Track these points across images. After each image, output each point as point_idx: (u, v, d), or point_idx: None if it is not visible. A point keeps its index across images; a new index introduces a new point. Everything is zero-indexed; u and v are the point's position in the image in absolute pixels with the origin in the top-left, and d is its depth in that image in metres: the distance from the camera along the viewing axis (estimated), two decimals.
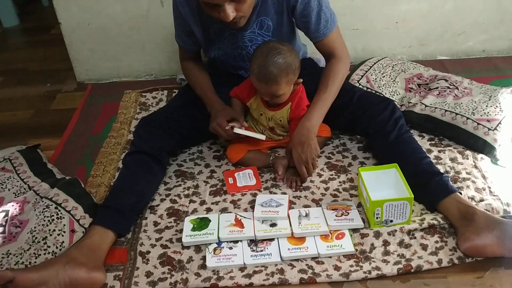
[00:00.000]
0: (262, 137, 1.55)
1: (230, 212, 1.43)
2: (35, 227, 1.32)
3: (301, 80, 1.51)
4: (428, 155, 1.48)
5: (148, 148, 1.52)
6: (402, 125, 1.52)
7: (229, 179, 1.55)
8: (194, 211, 1.46)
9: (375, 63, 1.98)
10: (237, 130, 1.51)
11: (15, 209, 1.41)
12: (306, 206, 1.44)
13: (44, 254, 1.27)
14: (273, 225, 1.35)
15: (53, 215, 1.34)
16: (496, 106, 1.63)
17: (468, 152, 1.59)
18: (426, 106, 1.70)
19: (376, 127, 1.52)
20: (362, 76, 1.91)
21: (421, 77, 1.89)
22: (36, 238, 1.30)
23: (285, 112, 1.55)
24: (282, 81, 1.42)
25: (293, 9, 1.52)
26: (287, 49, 1.45)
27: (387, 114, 1.52)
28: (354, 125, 1.60)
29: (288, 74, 1.43)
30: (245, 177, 1.55)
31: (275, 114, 1.56)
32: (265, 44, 1.46)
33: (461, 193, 1.37)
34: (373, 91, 1.82)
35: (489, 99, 1.67)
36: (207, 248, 1.31)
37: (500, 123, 1.57)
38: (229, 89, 1.63)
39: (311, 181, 1.54)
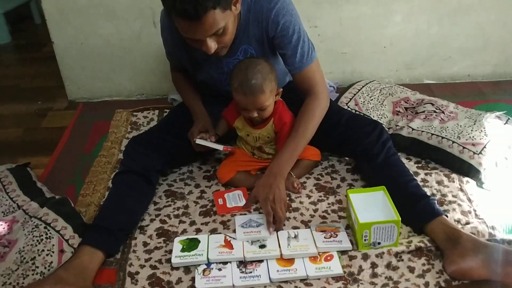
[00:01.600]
0: (219, 147, 1.56)
1: (220, 233, 1.44)
2: (23, 247, 1.32)
3: (281, 89, 1.55)
4: (415, 177, 1.51)
5: (137, 167, 1.53)
6: (390, 147, 1.55)
7: (219, 200, 1.56)
8: (184, 231, 1.46)
9: (363, 86, 2.02)
10: (198, 141, 1.55)
11: (4, 228, 1.39)
12: (295, 228, 1.45)
13: (33, 274, 1.26)
14: (262, 246, 1.36)
15: (42, 235, 1.34)
16: (481, 131, 1.67)
17: (454, 175, 1.63)
18: (413, 129, 1.74)
19: (364, 149, 1.55)
20: (350, 99, 1.95)
21: (408, 100, 1.93)
22: (24, 258, 1.29)
23: (270, 128, 1.57)
24: (267, 89, 1.45)
25: (272, 39, 1.54)
26: (263, 59, 1.50)
27: (374, 136, 1.55)
28: (342, 147, 1.63)
29: (271, 81, 1.46)
30: (235, 198, 1.56)
31: (262, 132, 1.58)
32: (242, 61, 1.50)
33: (447, 216, 1.39)
34: (361, 114, 1.85)
35: (474, 124, 1.71)
36: (196, 269, 1.31)
37: (485, 147, 1.61)
38: (220, 109, 1.66)
39: (300, 202, 1.56)
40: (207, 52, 1.40)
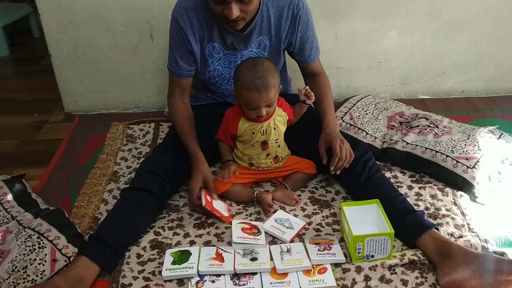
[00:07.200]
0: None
1: (212, 246, 1.43)
2: (16, 257, 1.31)
3: (281, 85, 1.58)
4: (401, 193, 1.51)
5: (155, 189, 1.50)
6: (372, 166, 1.55)
7: (207, 197, 1.54)
8: (178, 243, 1.46)
9: (358, 101, 2.04)
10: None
11: None
12: None
13: (24, 283, 1.26)
14: (253, 259, 1.36)
15: (35, 245, 1.34)
16: (474, 145, 1.68)
17: (448, 189, 1.63)
18: (407, 143, 1.75)
19: (345, 170, 1.54)
20: (345, 113, 1.96)
21: (402, 115, 1.95)
22: (16, 267, 1.29)
23: (275, 117, 1.60)
24: (277, 84, 1.51)
25: (296, 40, 1.65)
26: (265, 58, 1.56)
27: (356, 157, 1.54)
28: (325, 167, 1.60)
29: (278, 77, 1.52)
30: (220, 206, 1.56)
31: (269, 123, 1.59)
32: (245, 62, 1.52)
33: (437, 229, 1.39)
34: (356, 128, 1.87)
35: (468, 138, 1.72)
36: (189, 281, 1.31)
37: (478, 161, 1.62)
38: (216, 121, 1.66)
39: (295, 215, 1.56)
40: (229, 17, 1.44)
